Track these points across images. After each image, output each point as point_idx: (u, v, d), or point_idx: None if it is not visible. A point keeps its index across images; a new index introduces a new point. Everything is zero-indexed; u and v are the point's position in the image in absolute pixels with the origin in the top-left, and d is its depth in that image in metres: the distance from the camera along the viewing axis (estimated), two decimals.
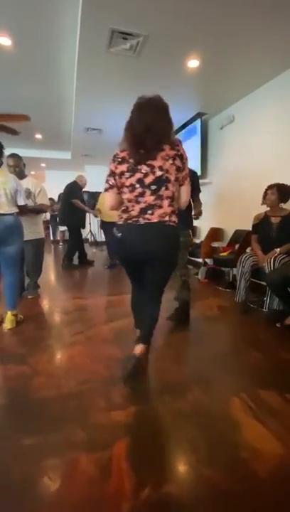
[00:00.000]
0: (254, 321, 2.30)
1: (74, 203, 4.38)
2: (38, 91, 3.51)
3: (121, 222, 1.38)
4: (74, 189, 4.51)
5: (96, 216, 4.79)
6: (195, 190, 2.18)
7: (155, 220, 1.32)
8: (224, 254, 3.28)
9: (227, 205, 3.82)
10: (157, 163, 1.30)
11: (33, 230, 2.72)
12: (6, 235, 2.03)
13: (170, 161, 1.32)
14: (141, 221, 1.32)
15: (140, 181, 1.31)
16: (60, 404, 1.29)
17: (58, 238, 7.91)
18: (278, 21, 2.04)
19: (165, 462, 0.99)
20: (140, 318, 1.61)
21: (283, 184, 2.43)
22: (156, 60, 2.58)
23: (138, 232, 1.34)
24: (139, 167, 1.31)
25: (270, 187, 2.47)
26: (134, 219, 1.33)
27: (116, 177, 1.37)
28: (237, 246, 3.20)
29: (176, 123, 3.32)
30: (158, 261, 1.40)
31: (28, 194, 2.66)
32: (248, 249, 2.78)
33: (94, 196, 6.25)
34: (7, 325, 2.10)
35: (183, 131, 4.43)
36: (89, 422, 1.17)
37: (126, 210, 1.36)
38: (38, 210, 2.78)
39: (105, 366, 1.60)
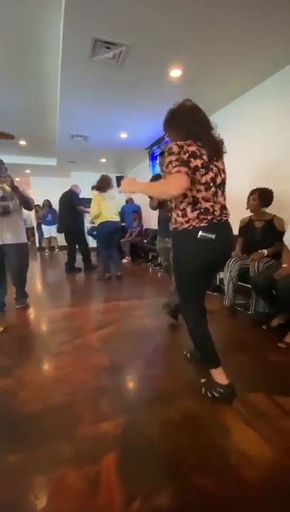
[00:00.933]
0: (241, 324, 2.33)
1: (79, 210, 4.52)
2: (22, 98, 3.48)
3: (206, 224, 1.24)
4: (74, 196, 4.58)
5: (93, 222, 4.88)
6: None
7: (228, 218, 1.33)
8: None
9: None
10: (221, 165, 1.32)
11: (14, 233, 2.64)
12: None
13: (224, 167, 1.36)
14: (224, 218, 1.30)
15: (213, 180, 1.26)
16: (47, 418, 1.24)
17: (44, 245, 7.77)
18: (259, 32, 2.12)
19: (155, 473, 0.97)
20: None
21: (264, 189, 2.50)
22: (139, 69, 2.62)
23: (226, 228, 1.32)
24: (211, 166, 1.26)
25: (252, 192, 2.55)
26: (218, 218, 1.27)
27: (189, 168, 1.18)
28: None
29: (160, 131, 3.36)
30: (227, 259, 1.42)
31: (12, 196, 2.59)
32: (233, 253, 2.83)
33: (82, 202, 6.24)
34: None
35: (168, 138, 4.50)
36: (76, 435, 1.14)
37: (206, 211, 1.25)
38: (24, 199, 2.70)
39: (93, 376, 1.57)
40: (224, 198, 1.35)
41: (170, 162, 1.18)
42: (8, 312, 2.69)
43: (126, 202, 6.81)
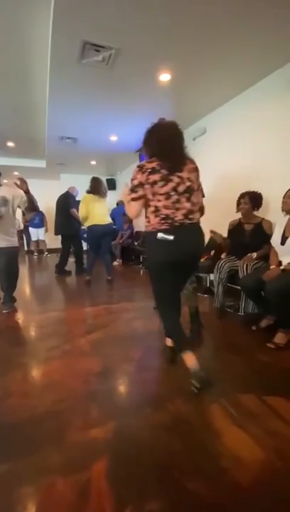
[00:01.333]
0: (231, 325, 2.35)
1: (71, 213, 4.43)
2: (10, 99, 3.43)
3: (166, 227, 1.42)
4: (71, 199, 4.54)
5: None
6: None
7: (195, 221, 1.51)
8: (202, 260, 3.35)
9: None
10: (185, 175, 1.47)
11: (4, 237, 2.59)
12: None
13: (194, 173, 1.52)
14: (187, 222, 1.46)
15: (174, 189, 1.44)
16: (35, 426, 1.21)
17: (32, 248, 7.63)
18: (249, 36, 2.16)
19: (146, 479, 0.96)
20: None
21: (254, 192, 2.55)
22: (129, 73, 2.63)
23: (188, 232, 1.47)
24: (171, 177, 1.44)
25: (242, 196, 2.59)
26: (180, 221, 1.44)
27: (147, 186, 1.44)
28: (212, 252, 3.29)
29: None
30: (197, 260, 1.61)
31: (5, 202, 2.56)
32: (223, 255, 2.86)
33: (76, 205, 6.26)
34: None
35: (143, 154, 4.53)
36: (66, 443, 1.11)
37: (167, 217, 1.43)
38: (33, 203, 2.77)
39: (83, 381, 1.54)
40: (193, 204, 1.49)
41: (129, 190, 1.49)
42: None
43: (117, 205, 6.79)
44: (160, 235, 1.42)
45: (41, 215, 7.26)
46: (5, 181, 2.87)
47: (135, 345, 2.02)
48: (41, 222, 7.32)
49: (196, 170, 1.55)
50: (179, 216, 1.44)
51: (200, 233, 1.56)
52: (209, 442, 1.10)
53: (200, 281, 3.54)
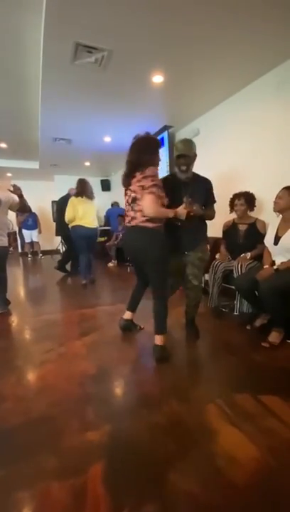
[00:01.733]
0: (226, 325, 2.37)
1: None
2: (2, 100, 3.39)
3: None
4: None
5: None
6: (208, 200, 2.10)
7: (133, 224, 1.83)
8: None
9: None
10: (131, 187, 1.80)
11: None
12: None
13: (138, 184, 1.75)
14: (131, 224, 1.84)
15: (127, 201, 1.87)
16: (30, 431, 1.20)
17: (26, 250, 7.56)
18: (241, 38, 2.17)
19: (142, 482, 0.95)
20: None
21: (247, 193, 2.58)
22: (122, 74, 2.63)
23: (130, 233, 1.89)
24: (126, 191, 1.87)
25: (237, 197, 2.59)
26: (127, 224, 1.88)
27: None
28: None
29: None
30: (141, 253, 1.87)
31: None
32: (217, 256, 2.88)
33: None
34: None
35: None
36: (61, 447, 1.10)
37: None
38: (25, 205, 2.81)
39: (78, 384, 1.53)
40: (135, 211, 1.79)
41: None
42: None
43: (112, 205, 6.78)
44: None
45: (34, 216, 7.20)
46: None
47: (130, 346, 2.02)
48: (35, 224, 7.26)
49: (143, 179, 1.73)
50: (127, 220, 1.88)
51: (137, 233, 1.82)
52: (204, 442, 1.11)
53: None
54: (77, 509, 0.86)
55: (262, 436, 1.12)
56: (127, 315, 2.22)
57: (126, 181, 1.84)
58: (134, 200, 1.79)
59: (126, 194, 1.87)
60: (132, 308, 2.23)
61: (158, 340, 1.81)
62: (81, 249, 3.89)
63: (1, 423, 1.25)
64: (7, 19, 2.10)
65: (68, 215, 3.73)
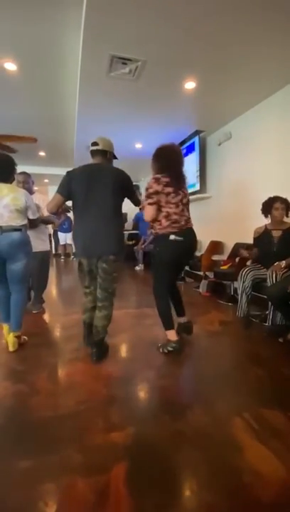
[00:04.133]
0: (256, 336, 2.27)
1: None
2: (42, 112, 3.66)
3: (176, 230, 1.87)
4: None
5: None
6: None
7: (191, 226, 1.97)
8: (225, 267, 3.28)
9: (227, 219, 3.85)
10: (186, 191, 1.98)
11: (37, 242, 2.75)
12: (12, 251, 1.96)
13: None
14: (188, 226, 1.94)
15: (181, 201, 1.91)
16: (58, 425, 1.26)
17: (60, 252, 7.96)
18: (273, 43, 2.13)
19: (164, 487, 0.95)
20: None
21: (284, 198, 2.44)
22: (154, 83, 2.69)
23: (191, 234, 1.96)
24: (179, 191, 1.90)
25: (275, 200, 2.42)
26: (184, 226, 1.90)
27: (162, 195, 1.84)
28: (237, 259, 3.20)
29: (174, 140, 3.40)
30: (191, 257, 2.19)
31: (38, 208, 2.73)
32: (248, 263, 2.77)
33: None
34: (9, 347, 2.01)
35: (182, 148, 4.55)
36: (86, 444, 1.14)
37: (176, 221, 1.87)
38: (47, 221, 2.87)
39: (104, 385, 1.57)
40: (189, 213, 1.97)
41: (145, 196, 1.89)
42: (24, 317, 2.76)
43: (140, 210, 6.87)
44: (172, 236, 1.85)
45: (70, 220, 7.59)
46: (36, 188, 3.05)
47: (155, 351, 2.02)
48: (70, 227, 7.64)
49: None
50: (183, 222, 1.89)
51: (194, 235, 1.99)
52: (229, 455, 1.07)
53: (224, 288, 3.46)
54: (99, 506, 0.88)
55: None
56: (173, 334, 1.99)
57: (178, 182, 1.90)
58: (188, 202, 1.98)
59: (177, 194, 1.87)
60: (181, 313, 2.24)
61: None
62: None
63: (33, 415, 1.33)
64: (47, 35, 2.26)
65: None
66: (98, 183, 1.78)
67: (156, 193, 1.82)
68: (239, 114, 3.48)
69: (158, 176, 1.84)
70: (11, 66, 2.62)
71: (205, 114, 3.49)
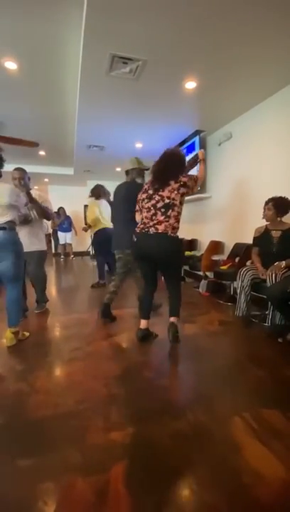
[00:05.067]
0: (255, 336, 2.27)
1: None
2: (42, 110, 3.65)
3: (138, 231, 2.02)
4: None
5: (85, 230, 4.82)
6: None
7: (160, 231, 1.93)
8: (225, 267, 3.28)
9: (227, 219, 3.85)
10: (165, 194, 1.93)
11: (32, 241, 2.73)
12: None
13: (175, 192, 1.92)
14: (151, 231, 1.94)
15: (153, 206, 1.95)
16: (57, 424, 1.26)
17: (59, 251, 7.96)
18: (275, 43, 2.12)
19: (164, 486, 0.95)
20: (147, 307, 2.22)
21: (280, 198, 2.45)
22: (155, 83, 2.69)
23: (150, 239, 1.96)
24: (154, 196, 1.96)
25: (266, 202, 2.50)
26: (146, 229, 1.96)
27: (139, 202, 2.07)
28: (237, 259, 3.21)
29: (174, 140, 3.38)
30: (161, 258, 2.05)
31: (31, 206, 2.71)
32: (248, 263, 2.78)
33: None
34: (6, 342, 2.06)
35: (182, 148, 4.55)
36: (86, 443, 1.14)
37: (143, 224, 2.00)
38: (43, 211, 2.73)
39: (104, 384, 1.57)
40: (166, 217, 1.91)
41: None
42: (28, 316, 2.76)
43: None
44: (133, 236, 2.04)
45: (69, 219, 7.60)
46: (36, 187, 3.03)
47: (155, 350, 2.02)
48: (69, 227, 7.64)
49: (177, 189, 1.92)
50: (150, 224, 1.94)
51: (157, 240, 1.94)
52: (229, 456, 1.07)
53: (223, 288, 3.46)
54: (99, 505, 0.88)
55: None
56: (144, 323, 2.20)
57: (159, 184, 1.98)
58: (167, 206, 1.96)
59: (151, 199, 1.98)
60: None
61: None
62: (102, 252, 4.16)
63: (32, 414, 1.33)
64: (48, 34, 2.26)
65: (93, 216, 4.07)
66: (118, 198, 2.57)
67: (138, 201, 2.07)
68: (239, 114, 3.48)
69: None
70: (11, 65, 2.62)
71: (205, 113, 3.49)
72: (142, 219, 2.00)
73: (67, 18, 2.08)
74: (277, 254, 2.37)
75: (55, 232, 8.10)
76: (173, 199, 1.91)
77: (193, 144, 4.27)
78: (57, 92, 3.18)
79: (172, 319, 2.11)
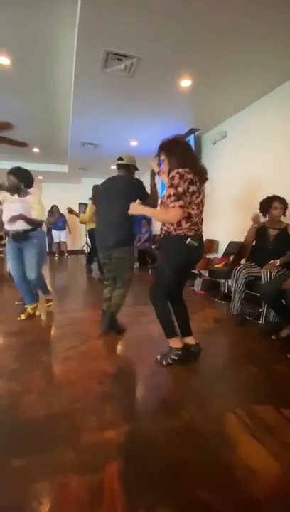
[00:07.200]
0: (249, 334, 2.29)
1: None
2: (36, 107, 3.60)
3: (193, 233, 1.62)
4: None
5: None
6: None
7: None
8: (219, 265, 3.30)
9: (221, 217, 3.87)
10: (204, 188, 1.68)
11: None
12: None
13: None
14: (201, 230, 1.70)
15: (202, 201, 1.66)
16: (51, 424, 1.25)
17: (54, 250, 7.89)
18: (270, 41, 2.14)
19: (158, 484, 0.96)
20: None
21: (282, 197, 2.45)
22: (150, 80, 2.68)
23: (202, 239, 1.72)
24: (201, 190, 1.64)
25: (274, 199, 2.43)
26: (201, 230, 1.70)
27: (188, 196, 1.56)
28: (231, 258, 3.23)
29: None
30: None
31: None
32: (242, 261, 2.80)
33: None
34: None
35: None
36: (80, 442, 1.14)
37: (195, 224, 1.64)
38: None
39: (98, 382, 1.57)
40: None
41: (169, 196, 1.53)
42: (16, 316, 2.74)
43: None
44: (189, 240, 1.60)
45: (63, 217, 7.52)
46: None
47: (150, 348, 2.02)
48: (64, 225, 7.58)
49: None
50: (200, 225, 1.67)
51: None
52: (222, 452, 1.08)
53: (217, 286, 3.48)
54: (94, 504, 0.88)
55: (284, 451, 1.07)
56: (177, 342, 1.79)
57: (201, 180, 1.61)
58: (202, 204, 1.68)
59: (199, 193, 1.61)
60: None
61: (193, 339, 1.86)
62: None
63: (25, 414, 1.32)
64: (42, 30, 2.23)
65: (86, 217, 4.26)
66: (114, 193, 2.11)
67: (184, 193, 1.52)
68: (234, 113, 3.49)
69: (182, 171, 1.52)
70: (4, 60, 2.57)
71: (200, 112, 3.49)
72: (190, 217, 1.58)
73: (61, 13, 2.05)
74: (273, 253, 2.39)
75: (49, 231, 8.03)
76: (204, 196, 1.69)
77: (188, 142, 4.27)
78: (50, 88, 3.15)
79: (192, 340, 1.83)
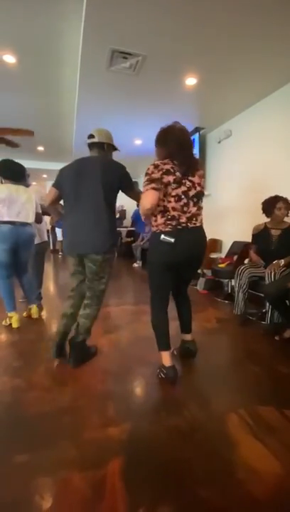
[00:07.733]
0: (252, 334, 2.28)
1: None
2: (41, 105, 3.61)
3: (169, 229, 1.47)
4: None
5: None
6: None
7: (198, 225, 1.56)
8: (223, 265, 3.28)
9: (225, 217, 3.85)
10: (196, 180, 1.53)
11: (37, 234, 2.74)
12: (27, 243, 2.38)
13: (203, 179, 1.59)
14: (190, 226, 1.51)
15: (185, 193, 1.48)
16: (54, 420, 1.26)
17: (57, 248, 7.93)
18: (275, 40, 2.12)
19: (160, 482, 0.96)
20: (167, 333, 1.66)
21: (285, 198, 2.43)
22: (155, 78, 2.67)
23: (189, 234, 1.51)
24: (184, 181, 1.48)
25: (278, 200, 2.40)
26: (183, 225, 1.49)
27: (160, 184, 1.42)
28: (235, 257, 3.21)
29: None
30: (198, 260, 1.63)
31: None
32: (246, 261, 2.78)
33: None
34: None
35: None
36: (82, 439, 1.15)
37: (173, 218, 1.47)
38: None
39: (100, 380, 1.58)
40: (198, 208, 1.56)
41: (143, 183, 1.44)
42: (23, 312, 2.76)
43: (138, 206, 6.85)
44: (162, 236, 1.46)
45: None
46: (34, 183, 3.01)
47: (152, 347, 2.02)
48: None
49: (203, 176, 1.62)
50: (183, 220, 1.49)
51: (202, 235, 1.61)
52: (224, 452, 1.08)
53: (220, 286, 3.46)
54: (95, 500, 0.89)
55: (286, 451, 1.07)
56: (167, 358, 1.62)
57: (187, 170, 1.49)
58: (199, 195, 1.54)
59: (180, 184, 1.46)
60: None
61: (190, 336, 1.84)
62: None
63: (29, 410, 1.33)
64: (47, 28, 2.23)
65: None
66: (86, 177, 1.68)
67: (159, 179, 1.41)
68: (239, 112, 3.46)
69: (157, 162, 1.46)
70: (9, 58, 2.59)
71: (205, 111, 3.47)
72: (166, 211, 1.46)
73: (67, 11, 2.05)
74: (276, 253, 2.37)
75: (53, 229, 8.06)
76: (203, 187, 1.57)
77: (193, 141, 4.26)
78: (56, 86, 3.15)
79: (189, 337, 1.81)
